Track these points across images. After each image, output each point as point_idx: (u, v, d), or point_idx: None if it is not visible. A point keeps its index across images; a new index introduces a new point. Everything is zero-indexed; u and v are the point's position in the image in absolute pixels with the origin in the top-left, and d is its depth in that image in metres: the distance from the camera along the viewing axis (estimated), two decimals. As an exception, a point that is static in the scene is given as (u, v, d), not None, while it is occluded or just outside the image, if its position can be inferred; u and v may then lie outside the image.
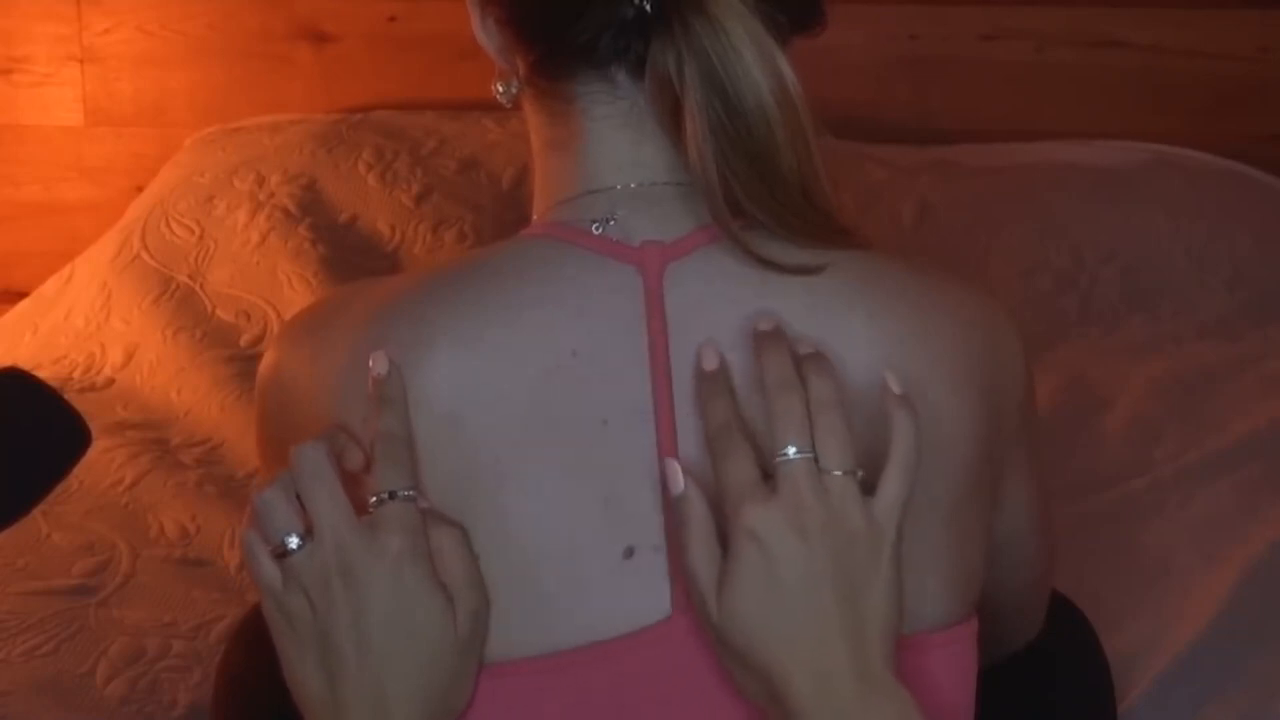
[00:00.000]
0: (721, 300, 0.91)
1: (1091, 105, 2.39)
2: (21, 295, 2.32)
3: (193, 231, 2.22)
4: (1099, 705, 1.27)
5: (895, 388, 0.86)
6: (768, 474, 0.84)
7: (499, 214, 2.21)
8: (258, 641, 1.24)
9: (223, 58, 2.56)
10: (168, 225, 2.24)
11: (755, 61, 0.87)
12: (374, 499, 0.86)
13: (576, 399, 0.89)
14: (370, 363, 0.89)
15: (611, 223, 0.93)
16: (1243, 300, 2.08)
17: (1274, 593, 1.55)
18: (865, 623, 0.83)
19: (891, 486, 0.84)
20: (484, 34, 0.98)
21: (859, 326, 0.91)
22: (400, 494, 0.86)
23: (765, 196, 0.89)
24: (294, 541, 0.86)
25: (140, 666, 1.50)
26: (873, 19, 2.39)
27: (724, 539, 0.84)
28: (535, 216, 0.99)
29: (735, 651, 0.84)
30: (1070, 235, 2.16)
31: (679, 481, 0.85)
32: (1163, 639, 1.49)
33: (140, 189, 2.43)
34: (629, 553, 0.88)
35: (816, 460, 0.83)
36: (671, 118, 0.91)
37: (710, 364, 0.87)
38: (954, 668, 0.93)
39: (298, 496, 0.87)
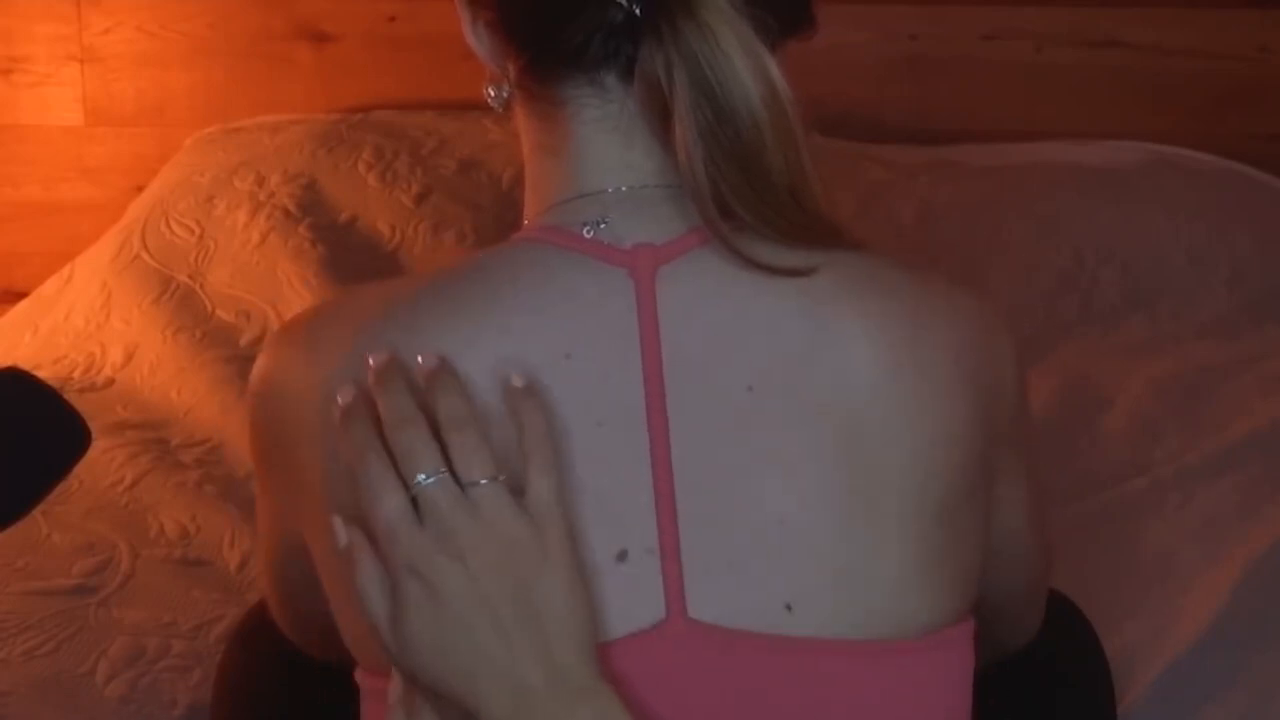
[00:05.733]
0: (713, 302, 0.91)
1: (1091, 105, 2.39)
2: (21, 295, 2.32)
3: (193, 231, 2.22)
4: (1099, 705, 1.27)
5: (517, 382, 0.86)
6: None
7: (499, 214, 2.21)
8: (257, 641, 1.24)
9: (223, 58, 2.56)
10: (168, 225, 2.24)
11: (744, 65, 0.87)
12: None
13: (570, 402, 0.89)
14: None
15: (603, 226, 0.93)
16: (1242, 300, 2.08)
17: (1274, 592, 1.55)
18: (546, 626, 0.82)
19: (538, 479, 0.84)
20: (475, 38, 0.98)
21: (851, 327, 0.91)
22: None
23: (753, 199, 0.89)
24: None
25: (140, 666, 1.50)
26: (873, 19, 2.39)
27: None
28: (526, 220, 0.99)
29: (425, 687, 0.83)
30: (1070, 235, 2.16)
31: (342, 535, 0.84)
32: (1163, 639, 1.49)
33: (140, 189, 2.43)
34: (622, 555, 0.88)
35: (457, 478, 0.82)
36: (661, 121, 0.91)
37: (346, 397, 0.86)
38: (951, 668, 0.94)
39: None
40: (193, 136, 2.46)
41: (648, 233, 0.92)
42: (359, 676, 0.95)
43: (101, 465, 1.81)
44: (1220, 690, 1.43)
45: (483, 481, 0.82)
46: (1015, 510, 1.03)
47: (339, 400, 0.86)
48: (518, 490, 0.84)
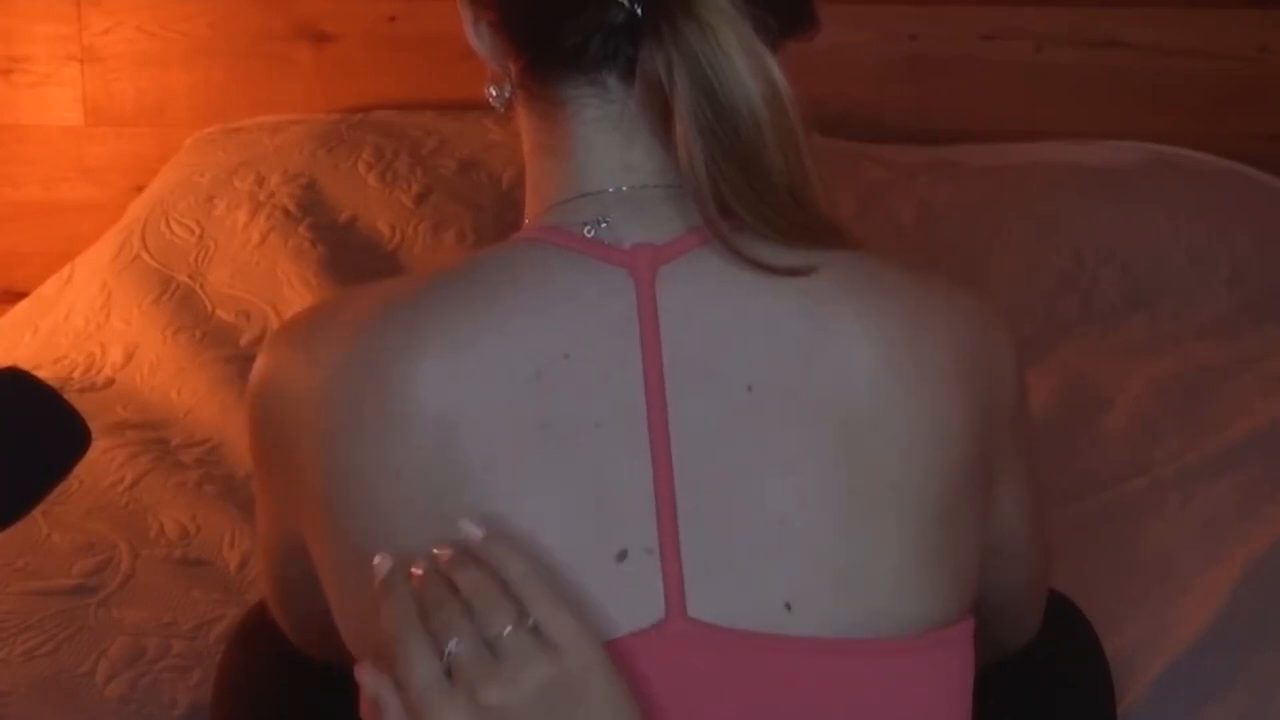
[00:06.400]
0: (713, 302, 0.91)
1: (1091, 105, 2.39)
2: (21, 295, 2.32)
3: (193, 231, 2.22)
4: (1099, 705, 1.27)
5: (475, 536, 0.86)
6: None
7: (499, 214, 2.21)
8: (257, 641, 1.24)
9: (223, 58, 2.56)
10: (168, 225, 2.24)
11: (744, 65, 0.88)
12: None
13: (569, 402, 0.89)
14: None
15: (603, 225, 0.93)
16: (1242, 300, 2.09)
17: (1274, 592, 1.55)
18: None
19: (550, 621, 0.84)
20: (476, 38, 0.98)
21: (851, 326, 0.91)
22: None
23: (753, 199, 0.89)
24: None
25: (140, 666, 1.50)
26: (873, 19, 2.39)
27: None
28: (526, 220, 0.99)
29: None
30: (1070, 235, 2.16)
31: (374, 685, 0.86)
32: (1163, 639, 1.49)
33: (140, 189, 2.43)
34: (622, 555, 0.88)
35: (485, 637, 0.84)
36: (661, 121, 0.91)
37: (383, 568, 0.87)
38: (951, 668, 0.93)
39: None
40: (193, 136, 2.46)
41: (648, 233, 0.92)
42: (359, 676, 0.95)
43: (101, 465, 1.81)
44: (1220, 690, 1.43)
45: (505, 632, 0.83)
46: (1015, 510, 1.03)
47: (377, 569, 0.87)
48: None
